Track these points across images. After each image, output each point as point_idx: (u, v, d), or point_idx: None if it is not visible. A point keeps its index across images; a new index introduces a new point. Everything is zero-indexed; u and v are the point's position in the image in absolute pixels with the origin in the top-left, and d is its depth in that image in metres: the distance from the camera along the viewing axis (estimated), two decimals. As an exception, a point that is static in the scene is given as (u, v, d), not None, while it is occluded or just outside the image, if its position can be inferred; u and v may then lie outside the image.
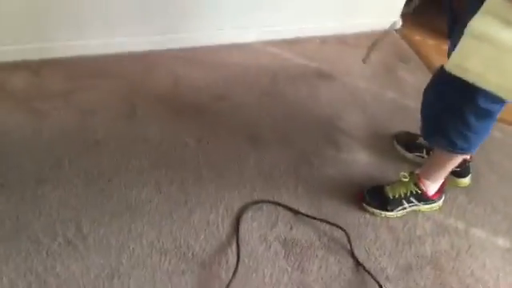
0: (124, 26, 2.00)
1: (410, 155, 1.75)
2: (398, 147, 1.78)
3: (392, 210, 1.52)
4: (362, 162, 1.73)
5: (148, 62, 2.04)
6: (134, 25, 2.01)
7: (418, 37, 2.42)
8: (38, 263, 1.26)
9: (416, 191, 1.50)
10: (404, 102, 2.05)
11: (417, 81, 2.14)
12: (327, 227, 1.46)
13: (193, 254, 1.34)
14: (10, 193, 1.42)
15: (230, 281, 1.27)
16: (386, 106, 2.02)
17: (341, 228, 1.45)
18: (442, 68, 1.19)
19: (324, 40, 2.33)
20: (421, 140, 1.72)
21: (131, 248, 1.33)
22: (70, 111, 1.74)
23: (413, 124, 1.82)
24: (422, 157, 1.71)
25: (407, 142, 1.78)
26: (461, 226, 1.55)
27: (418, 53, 2.35)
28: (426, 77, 2.21)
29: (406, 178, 1.52)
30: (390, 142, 1.81)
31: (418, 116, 1.42)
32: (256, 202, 1.50)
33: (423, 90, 1.38)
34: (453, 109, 1.26)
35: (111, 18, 1.96)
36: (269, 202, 1.51)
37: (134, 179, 1.52)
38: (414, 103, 2.01)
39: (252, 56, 2.18)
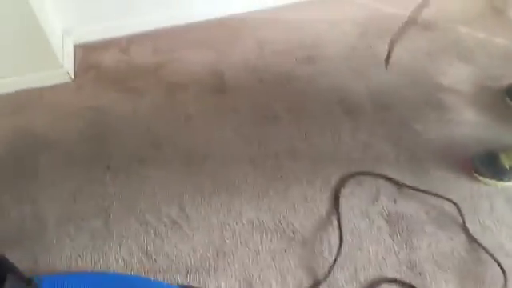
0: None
1: (526, 112, 1.55)
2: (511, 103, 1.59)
3: (509, 180, 1.37)
4: (469, 123, 1.56)
5: (231, 28, 1.98)
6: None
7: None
8: (148, 243, 1.32)
9: None
10: (517, 47, 1.80)
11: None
12: (435, 200, 1.36)
13: (293, 231, 1.32)
14: (116, 175, 1.48)
15: (335, 259, 1.24)
16: (495, 55, 1.79)
17: (450, 200, 1.34)
18: None
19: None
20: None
21: (232, 227, 1.35)
22: (161, 87, 1.76)
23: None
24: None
25: (522, 95, 1.58)
26: None
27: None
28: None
29: None
30: (501, 97, 1.61)
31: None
32: (354, 175, 1.43)
33: None
34: None
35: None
36: (369, 173, 1.43)
37: (228, 155, 1.52)
38: (530, 49, 1.77)
39: (337, 10, 2.03)
